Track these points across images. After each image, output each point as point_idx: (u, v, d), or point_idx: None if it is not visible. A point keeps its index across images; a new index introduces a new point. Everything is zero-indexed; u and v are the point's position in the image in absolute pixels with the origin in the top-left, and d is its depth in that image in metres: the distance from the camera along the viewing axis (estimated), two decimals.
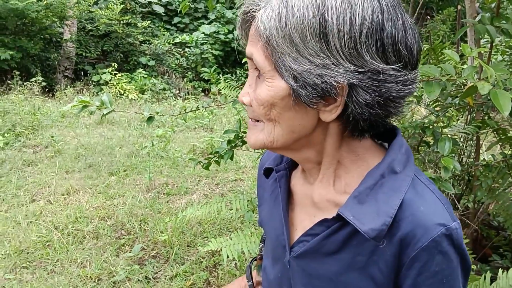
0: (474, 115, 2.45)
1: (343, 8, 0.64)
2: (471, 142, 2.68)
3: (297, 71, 0.67)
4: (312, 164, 0.82)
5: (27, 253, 3.55)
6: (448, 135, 1.76)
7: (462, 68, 1.50)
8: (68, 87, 10.85)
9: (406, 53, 0.69)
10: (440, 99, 2.13)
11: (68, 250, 3.60)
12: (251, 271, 1.13)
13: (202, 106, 2.60)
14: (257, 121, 0.78)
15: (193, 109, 2.61)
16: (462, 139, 2.67)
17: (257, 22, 0.69)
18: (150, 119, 2.34)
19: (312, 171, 0.84)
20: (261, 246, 1.11)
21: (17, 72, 9.99)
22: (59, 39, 11.85)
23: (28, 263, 3.42)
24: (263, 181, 1.00)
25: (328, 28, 0.64)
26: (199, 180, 5.27)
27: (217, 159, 2.45)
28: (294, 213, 0.90)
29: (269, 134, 0.76)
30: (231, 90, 3.47)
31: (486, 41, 2.95)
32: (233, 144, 2.40)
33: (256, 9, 0.71)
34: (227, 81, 3.00)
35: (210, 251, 3.39)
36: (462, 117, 2.56)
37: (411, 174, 0.77)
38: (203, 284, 3.18)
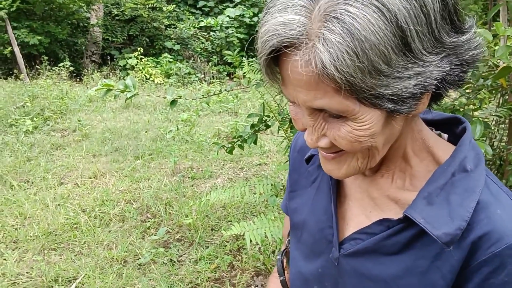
0: (507, 97, 2.35)
1: (412, 5, 0.55)
2: (503, 125, 2.58)
3: (392, 94, 0.58)
4: None
5: (55, 235, 3.62)
6: (480, 118, 1.69)
7: (495, 49, 1.43)
8: (95, 71, 11.01)
9: (460, 11, 0.63)
10: (471, 80, 2.05)
11: (95, 232, 3.66)
12: (283, 265, 1.04)
13: (225, 90, 2.58)
14: (337, 151, 0.68)
15: (216, 93, 2.60)
16: (494, 122, 2.58)
17: (317, 66, 0.55)
18: (173, 102, 2.33)
19: None
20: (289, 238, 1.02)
21: (46, 57, 10.16)
22: (86, 24, 11.99)
23: (56, 244, 3.49)
24: (299, 165, 0.92)
25: (409, 37, 0.55)
26: (223, 164, 5.27)
27: (240, 143, 2.43)
28: (344, 206, 0.83)
29: (363, 159, 0.68)
30: (254, 73, 3.42)
31: None
32: (257, 128, 2.38)
33: (290, 43, 0.56)
34: (251, 64, 2.96)
35: (234, 235, 3.39)
36: (494, 100, 2.47)
37: (484, 173, 0.71)
38: (227, 268, 3.19)
